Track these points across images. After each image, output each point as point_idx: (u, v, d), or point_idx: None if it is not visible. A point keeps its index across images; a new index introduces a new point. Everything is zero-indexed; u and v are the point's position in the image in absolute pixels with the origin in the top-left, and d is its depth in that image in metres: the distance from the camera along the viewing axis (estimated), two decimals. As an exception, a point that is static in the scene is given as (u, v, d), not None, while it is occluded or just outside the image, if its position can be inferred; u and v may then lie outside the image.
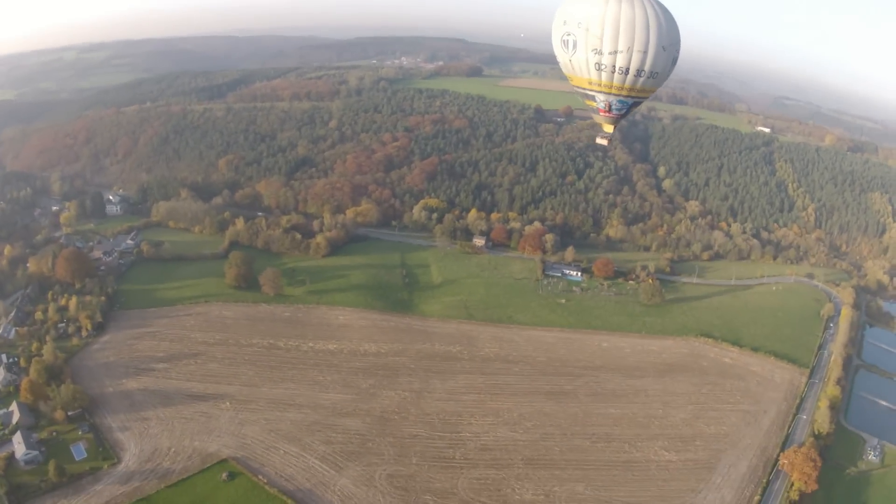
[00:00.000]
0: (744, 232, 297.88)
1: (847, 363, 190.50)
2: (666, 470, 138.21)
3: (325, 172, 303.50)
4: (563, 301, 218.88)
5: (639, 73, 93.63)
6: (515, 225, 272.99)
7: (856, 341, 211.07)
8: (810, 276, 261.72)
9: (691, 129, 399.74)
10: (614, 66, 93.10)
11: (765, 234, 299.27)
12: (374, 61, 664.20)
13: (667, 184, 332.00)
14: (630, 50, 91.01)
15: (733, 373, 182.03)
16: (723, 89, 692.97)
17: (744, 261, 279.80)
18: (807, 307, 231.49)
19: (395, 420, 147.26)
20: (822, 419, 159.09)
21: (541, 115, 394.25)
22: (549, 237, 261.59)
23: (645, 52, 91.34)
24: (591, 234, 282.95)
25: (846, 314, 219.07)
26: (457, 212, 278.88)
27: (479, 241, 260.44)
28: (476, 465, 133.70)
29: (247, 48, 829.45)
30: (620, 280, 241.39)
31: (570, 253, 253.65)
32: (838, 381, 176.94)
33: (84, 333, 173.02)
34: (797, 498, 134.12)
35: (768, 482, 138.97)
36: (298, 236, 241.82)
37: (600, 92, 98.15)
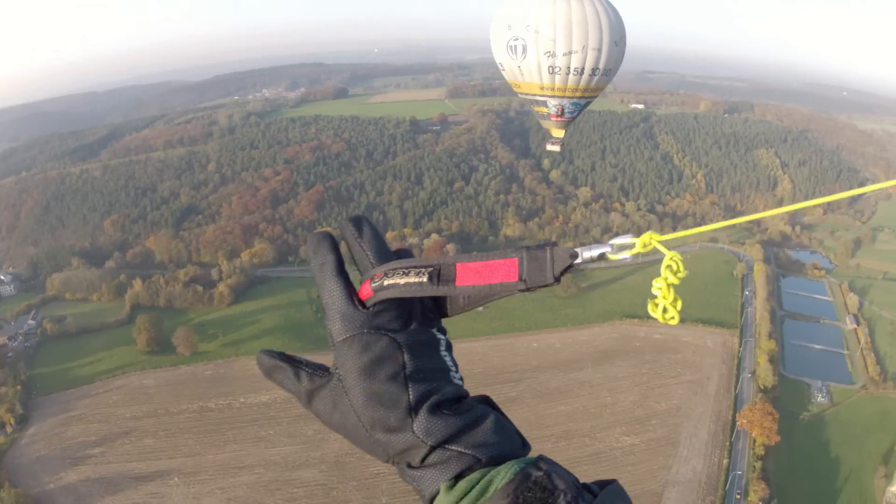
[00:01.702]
0: (639, 209, 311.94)
1: (772, 316, 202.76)
2: (632, 454, 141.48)
3: (212, 218, 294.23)
4: (481, 308, 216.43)
5: (594, 71, 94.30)
6: (413, 240, 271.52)
7: (775, 293, 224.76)
8: (714, 240, 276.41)
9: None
10: (569, 68, 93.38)
11: (660, 208, 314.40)
12: (237, 98, 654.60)
13: (554, 175, 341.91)
14: (585, 49, 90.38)
15: (667, 347, 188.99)
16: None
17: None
18: (719, 270, 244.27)
19: (351, 462, 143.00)
20: (764, 374, 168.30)
21: (416, 127, 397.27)
22: (451, 247, 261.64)
23: (599, 50, 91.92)
24: (490, 237, 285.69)
25: (759, 269, 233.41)
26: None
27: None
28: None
29: (108, 102, 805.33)
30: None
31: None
32: (770, 335, 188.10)
33: (9, 430, 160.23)
34: (763, 453, 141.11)
35: (731, 444, 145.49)
36: (200, 288, 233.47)
37: (553, 96, 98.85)
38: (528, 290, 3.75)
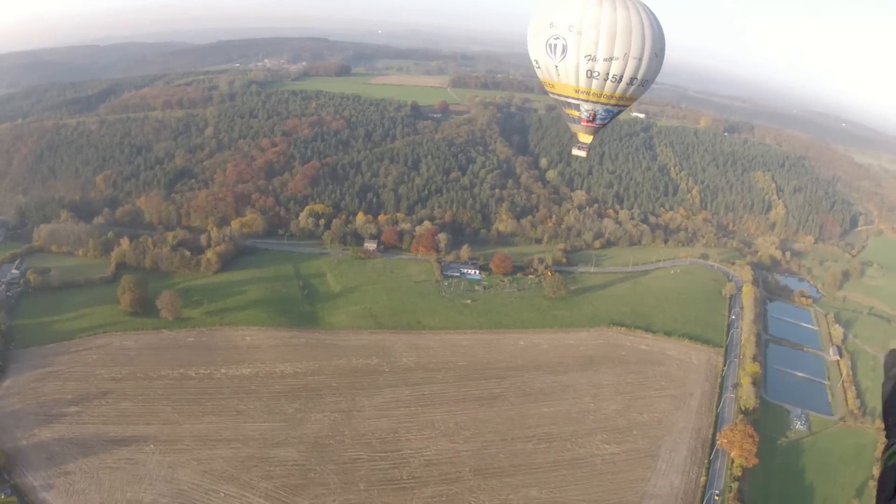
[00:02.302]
0: (632, 218, 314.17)
1: (758, 339, 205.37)
2: (612, 463, 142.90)
3: (205, 183, 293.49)
4: (469, 301, 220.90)
5: (632, 80, 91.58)
6: (405, 226, 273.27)
7: (761, 317, 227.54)
8: (704, 256, 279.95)
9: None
10: (607, 74, 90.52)
11: (653, 219, 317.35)
12: (238, 64, 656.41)
13: (550, 174, 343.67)
14: (626, 56, 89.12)
15: (652, 359, 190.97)
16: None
17: (635, 246, 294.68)
18: (708, 288, 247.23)
19: (331, 445, 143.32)
20: (746, 395, 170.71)
21: (417, 112, 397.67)
22: (443, 236, 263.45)
23: (640, 59, 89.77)
24: (482, 230, 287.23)
25: (748, 291, 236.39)
26: (344, 216, 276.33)
27: (370, 245, 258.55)
28: (426, 483, 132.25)
29: (109, 56, 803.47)
30: (519, 275, 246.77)
31: (465, 251, 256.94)
32: (754, 358, 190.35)
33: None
34: (740, 474, 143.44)
35: (710, 462, 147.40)
36: (188, 253, 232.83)
37: (587, 101, 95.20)
38: None
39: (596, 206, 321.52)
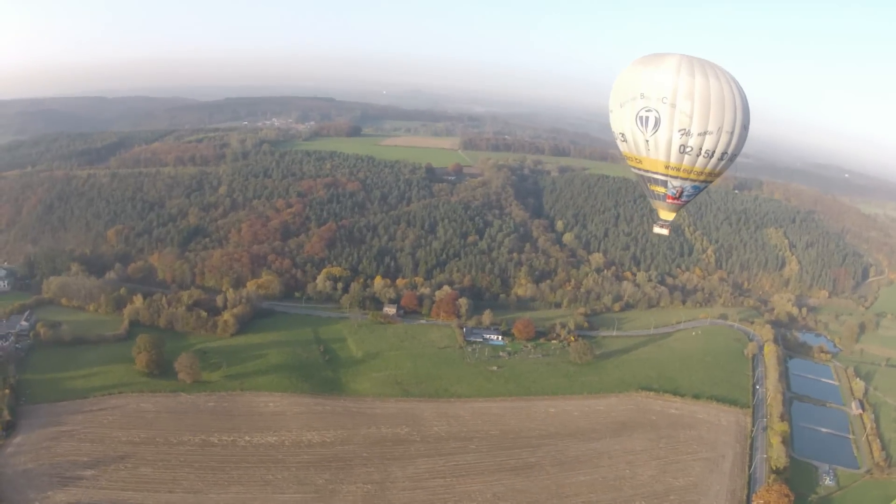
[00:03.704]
0: (650, 280, 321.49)
1: (783, 397, 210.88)
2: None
3: (220, 242, 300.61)
4: (496, 368, 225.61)
5: (723, 155, 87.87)
6: (424, 290, 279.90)
7: (783, 375, 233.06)
8: (724, 316, 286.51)
9: (583, 181, 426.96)
10: (701, 149, 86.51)
11: (669, 280, 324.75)
12: (246, 123, 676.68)
13: (567, 237, 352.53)
14: (720, 131, 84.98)
15: (682, 423, 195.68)
16: (594, 136, 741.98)
17: (653, 308, 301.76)
18: (730, 348, 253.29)
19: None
20: (777, 455, 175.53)
21: (432, 175, 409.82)
22: (463, 301, 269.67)
23: (732, 133, 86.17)
24: (501, 295, 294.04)
25: (770, 350, 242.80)
26: (361, 279, 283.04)
27: (390, 310, 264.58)
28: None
29: (116, 109, 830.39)
30: (542, 340, 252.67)
31: (487, 316, 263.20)
32: (781, 417, 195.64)
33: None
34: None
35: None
36: (204, 314, 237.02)
37: (676, 177, 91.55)
38: None
39: (613, 268, 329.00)
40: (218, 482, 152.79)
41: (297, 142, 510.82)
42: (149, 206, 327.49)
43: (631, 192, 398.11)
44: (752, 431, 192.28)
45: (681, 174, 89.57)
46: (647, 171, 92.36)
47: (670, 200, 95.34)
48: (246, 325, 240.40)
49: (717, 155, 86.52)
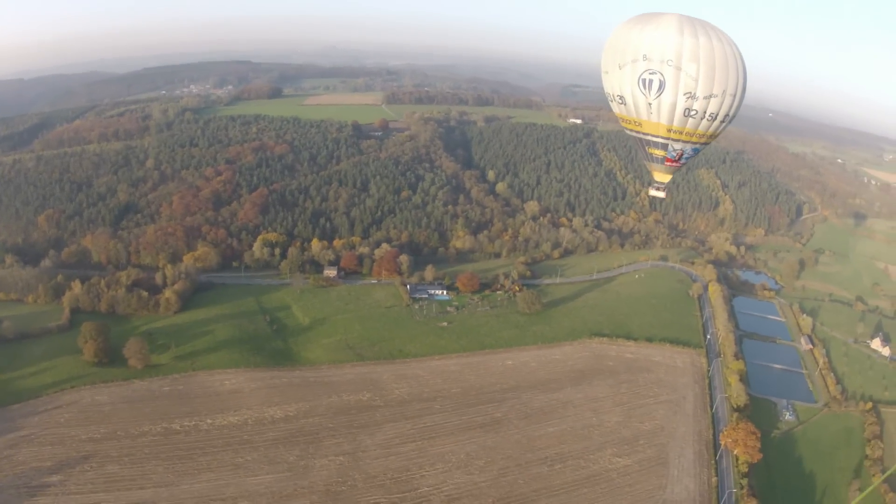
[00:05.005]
0: (586, 225, 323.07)
1: (734, 336, 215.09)
2: (627, 475, 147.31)
3: (152, 217, 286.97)
4: (445, 324, 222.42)
5: (725, 117, 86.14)
6: (363, 250, 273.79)
7: (731, 314, 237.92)
8: (664, 258, 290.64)
9: (510, 130, 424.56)
10: (705, 112, 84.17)
11: (606, 224, 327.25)
12: (164, 92, 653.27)
13: (500, 187, 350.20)
14: (724, 94, 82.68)
15: (639, 366, 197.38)
16: (514, 84, 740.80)
17: (592, 253, 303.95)
18: (675, 289, 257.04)
19: (344, 491, 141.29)
20: (736, 393, 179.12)
21: (359, 132, 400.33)
22: (405, 258, 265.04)
23: (734, 95, 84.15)
24: (440, 249, 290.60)
25: (714, 290, 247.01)
26: (298, 244, 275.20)
27: (330, 273, 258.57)
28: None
29: (35, 90, 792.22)
30: (488, 292, 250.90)
31: (430, 272, 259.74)
32: (736, 355, 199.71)
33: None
34: (746, 470, 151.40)
35: (716, 462, 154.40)
36: (145, 294, 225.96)
37: (678, 140, 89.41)
38: None
39: (549, 215, 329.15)
40: (188, 471, 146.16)
41: (218, 107, 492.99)
42: (77, 186, 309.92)
43: (560, 139, 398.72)
44: (708, 371, 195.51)
45: (683, 137, 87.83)
46: (647, 134, 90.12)
47: (669, 163, 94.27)
48: (188, 301, 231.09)
49: (720, 118, 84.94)
